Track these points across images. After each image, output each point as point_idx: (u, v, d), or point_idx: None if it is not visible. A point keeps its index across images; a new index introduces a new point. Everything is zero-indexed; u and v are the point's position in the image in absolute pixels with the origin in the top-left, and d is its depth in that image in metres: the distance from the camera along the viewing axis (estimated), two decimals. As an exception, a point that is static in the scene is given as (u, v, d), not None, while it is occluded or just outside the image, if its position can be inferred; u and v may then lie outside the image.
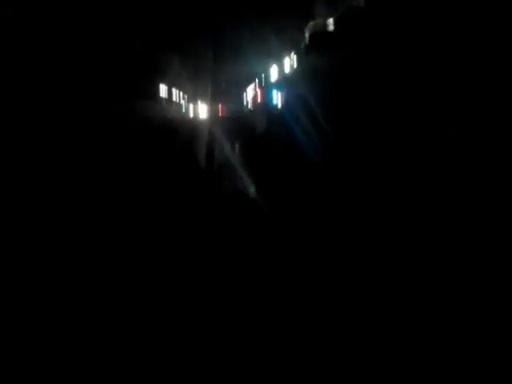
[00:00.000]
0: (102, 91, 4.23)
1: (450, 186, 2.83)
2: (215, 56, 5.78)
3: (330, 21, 4.35)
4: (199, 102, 6.99)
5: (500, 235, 2.48)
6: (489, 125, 2.77)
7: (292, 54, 5.15)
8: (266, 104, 5.61)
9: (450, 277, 2.37)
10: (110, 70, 4.47)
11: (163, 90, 6.55)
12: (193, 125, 6.38)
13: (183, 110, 7.13)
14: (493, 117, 2.77)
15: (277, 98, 5.23)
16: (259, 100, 6.01)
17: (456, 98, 2.96)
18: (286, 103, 4.94)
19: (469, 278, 2.33)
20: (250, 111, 6.12)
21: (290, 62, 5.19)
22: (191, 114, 7.06)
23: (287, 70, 5.29)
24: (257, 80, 6.45)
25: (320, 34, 4.02)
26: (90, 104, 4.00)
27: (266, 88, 5.76)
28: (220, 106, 6.25)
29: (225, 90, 6.31)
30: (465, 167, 2.81)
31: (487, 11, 2.86)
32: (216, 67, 5.93)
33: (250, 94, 6.29)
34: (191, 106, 7.16)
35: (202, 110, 6.81)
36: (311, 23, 4.77)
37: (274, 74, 5.62)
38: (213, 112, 5.98)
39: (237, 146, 4.95)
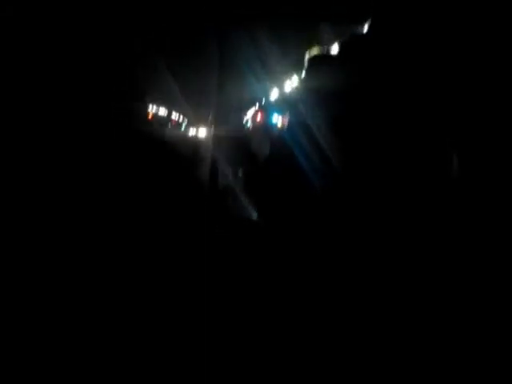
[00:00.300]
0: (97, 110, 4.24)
1: (459, 211, 2.79)
2: (216, 79, 5.84)
3: (332, 47, 4.41)
4: (199, 125, 7.06)
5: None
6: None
7: (293, 76, 5.21)
8: (266, 126, 5.64)
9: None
10: (107, 88, 4.48)
11: (163, 112, 6.60)
12: (194, 145, 6.43)
13: (183, 132, 7.19)
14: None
15: (277, 121, 5.26)
16: (259, 121, 6.05)
17: (468, 126, 2.95)
18: (287, 126, 4.95)
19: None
20: (250, 131, 6.16)
21: (290, 84, 5.24)
22: (192, 136, 7.13)
23: (288, 92, 5.34)
24: (257, 103, 6.52)
25: (319, 58, 4.05)
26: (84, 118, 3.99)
27: (267, 110, 5.81)
28: (221, 127, 6.30)
29: (225, 112, 6.36)
30: (473, 205, 2.75)
31: (495, 47, 2.88)
32: (217, 91, 5.99)
33: (251, 116, 6.35)
34: (192, 128, 7.23)
35: (202, 132, 6.88)
36: (312, 48, 4.83)
37: (274, 96, 5.68)
38: (213, 133, 6.02)
39: (238, 169, 4.94)
